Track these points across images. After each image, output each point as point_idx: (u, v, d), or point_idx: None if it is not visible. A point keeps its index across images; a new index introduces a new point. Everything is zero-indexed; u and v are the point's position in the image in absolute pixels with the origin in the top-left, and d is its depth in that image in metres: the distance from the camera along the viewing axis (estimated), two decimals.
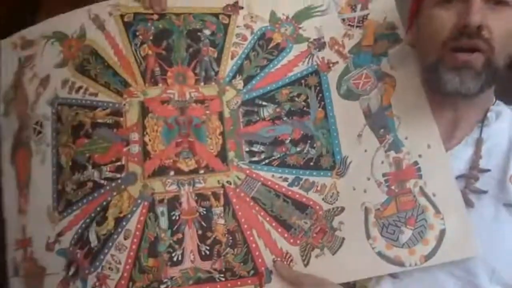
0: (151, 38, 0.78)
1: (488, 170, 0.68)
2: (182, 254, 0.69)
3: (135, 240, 0.69)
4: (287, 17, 0.84)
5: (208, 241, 0.70)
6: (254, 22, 0.83)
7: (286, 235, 0.70)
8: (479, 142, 0.70)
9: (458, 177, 0.69)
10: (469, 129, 0.72)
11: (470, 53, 0.62)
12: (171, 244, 0.69)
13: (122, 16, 0.79)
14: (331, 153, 0.74)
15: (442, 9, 0.66)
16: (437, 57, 0.66)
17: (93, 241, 0.70)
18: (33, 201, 0.77)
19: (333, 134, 0.75)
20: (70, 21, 0.81)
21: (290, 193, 0.73)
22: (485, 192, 0.67)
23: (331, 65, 0.80)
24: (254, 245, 0.70)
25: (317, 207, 0.71)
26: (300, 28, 0.83)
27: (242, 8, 0.83)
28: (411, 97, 0.74)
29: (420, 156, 0.71)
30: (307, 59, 0.81)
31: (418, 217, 0.68)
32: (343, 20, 0.83)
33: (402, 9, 0.82)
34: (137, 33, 0.78)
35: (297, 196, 0.72)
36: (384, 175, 0.70)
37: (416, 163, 0.70)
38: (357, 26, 0.82)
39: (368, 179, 0.71)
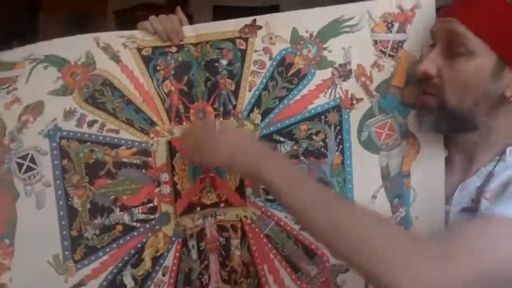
0: (172, 73, 0.76)
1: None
2: (209, 277, 0.80)
3: (172, 274, 0.75)
4: (311, 35, 0.74)
5: (227, 268, 0.80)
6: (273, 44, 0.75)
7: (293, 276, 0.77)
8: (489, 175, 0.66)
9: (462, 210, 0.67)
10: (486, 163, 0.69)
11: (424, 95, 0.67)
12: (201, 271, 0.79)
13: (139, 49, 0.76)
14: None
15: (428, 51, 0.68)
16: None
17: (129, 284, 0.73)
18: (20, 254, 0.68)
19: (348, 186, 0.73)
20: (71, 46, 0.74)
21: (300, 237, 0.77)
22: None
23: (354, 101, 0.73)
24: (264, 279, 0.78)
25: (325, 258, 0.75)
26: (325, 48, 0.74)
27: (260, 28, 0.75)
28: (432, 171, 0.69)
29: (416, 218, 0.70)
30: (329, 90, 0.74)
31: None
32: (375, 42, 0.71)
33: None
34: (158, 68, 0.76)
35: (307, 242, 0.76)
36: None
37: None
38: (389, 55, 0.71)
39: None
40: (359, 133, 0.73)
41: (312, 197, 0.58)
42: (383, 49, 0.70)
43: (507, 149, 0.66)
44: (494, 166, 0.66)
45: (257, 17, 0.75)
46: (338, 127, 0.74)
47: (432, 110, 0.66)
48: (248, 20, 0.76)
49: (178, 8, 0.76)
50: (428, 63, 0.64)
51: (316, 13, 0.74)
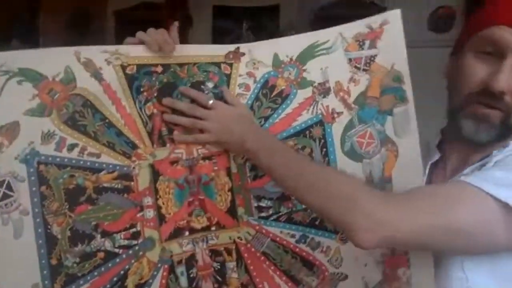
0: (155, 95, 0.76)
1: None
2: None
3: None
4: (291, 59, 0.81)
5: None
6: (256, 68, 0.81)
7: None
8: (482, 165, 0.71)
9: None
10: (478, 159, 0.74)
11: (489, 108, 0.67)
12: None
13: (123, 66, 0.74)
14: None
15: (478, 60, 0.69)
16: (461, 103, 0.71)
17: None
18: None
19: None
20: (49, 60, 0.70)
21: (298, 250, 0.77)
22: None
23: (335, 115, 0.79)
24: None
25: (323, 268, 0.76)
26: (304, 70, 0.81)
27: (243, 54, 0.81)
28: (411, 174, 0.75)
29: None
30: (311, 107, 0.80)
31: None
32: (350, 60, 0.80)
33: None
34: (142, 90, 0.75)
35: (304, 253, 0.77)
36: (382, 255, 0.73)
37: (406, 252, 0.72)
38: (363, 70, 0.79)
39: (369, 254, 0.74)
40: (342, 144, 0.79)
41: (289, 161, 0.68)
42: (357, 65, 0.79)
43: (494, 151, 0.70)
44: (488, 156, 0.70)
45: (240, 45, 0.81)
46: (323, 141, 0.79)
47: (495, 124, 0.66)
48: (232, 47, 0.81)
49: (176, 23, 0.77)
50: (504, 81, 0.63)
51: (294, 40, 0.82)
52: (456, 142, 0.75)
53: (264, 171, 0.74)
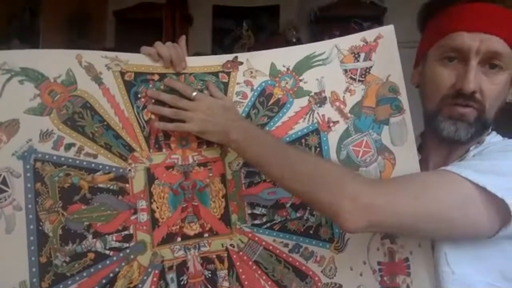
0: (153, 101, 0.77)
1: None
2: None
3: None
4: (288, 69, 0.82)
5: None
6: (254, 77, 0.82)
7: None
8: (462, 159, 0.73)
9: None
10: (459, 157, 0.76)
11: (465, 107, 0.71)
12: None
13: (122, 73, 0.76)
14: (330, 224, 0.76)
15: (443, 67, 0.73)
16: (436, 108, 0.74)
17: None
18: None
19: None
20: (51, 61, 0.72)
21: (290, 259, 0.76)
22: None
23: (331, 124, 0.80)
24: None
25: (316, 278, 0.74)
26: (300, 80, 0.82)
27: (241, 63, 0.82)
28: None
29: (411, 253, 0.73)
30: (307, 116, 0.81)
31: None
32: (345, 71, 0.81)
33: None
34: (139, 96, 0.77)
35: (297, 263, 0.75)
36: (379, 263, 0.72)
37: (407, 259, 0.72)
38: (359, 80, 0.80)
39: (364, 263, 0.73)
40: (338, 152, 0.79)
41: (274, 149, 0.69)
42: (353, 76, 0.80)
43: (473, 145, 0.73)
44: (466, 152, 0.73)
45: (238, 54, 0.83)
46: (318, 149, 0.79)
47: (471, 122, 0.70)
48: (230, 56, 0.83)
49: (183, 37, 0.80)
50: (473, 82, 0.67)
51: (291, 51, 0.83)
52: (436, 144, 0.78)
53: (249, 160, 0.75)
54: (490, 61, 0.69)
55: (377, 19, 2.24)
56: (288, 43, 2.16)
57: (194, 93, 0.76)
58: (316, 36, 2.24)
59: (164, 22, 2.15)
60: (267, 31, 2.30)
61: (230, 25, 2.38)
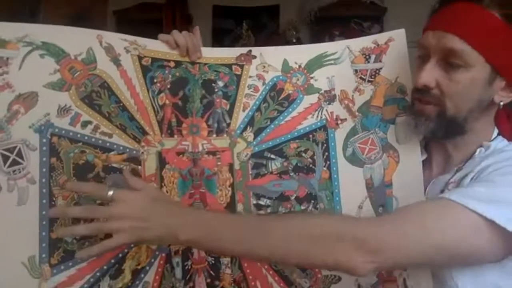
0: (168, 87, 0.79)
1: None
2: None
3: None
4: (300, 66, 0.85)
5: None
6: (266, 71, 0.84)
7: None
8: (458, 170, 0.75)
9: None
10: (460, 161, 0.76)
11: (425, 104, 0.72)
12: None
13: (140, 57, 0.77)
14: None
15: (420, 62, 0.74)
16: (411, 101, 0.77)
17: None
18: None
19: (336, 198, 0.79)
20: (72, 38, 0.72)
21: None
22: None
23: (339, 121, 0.82)
24: None
25: (316, 270, 0.76)
26: (311, 78, 0.84)
27: (255, 57, 0.84)
28: (411, 180, 0.77)
29: None
30: (316, 112, 0.83)
31: None
32: (356, 71, 0.83)
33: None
34: (155, 80, 0.78)
35: None
36: None
37: None
38: (368, 81, 0.83)
39: None
40: (344, 149, 0.81)
41: (246, 226, 0.62)
42: (363, 76, 0.83)
43: (478, 149, 0.74)
44: (464, 163, 0.74)
45: (252, 48, 0.85)
46: (325, 145, 0.82)
47: (431, 117, 0.71)
48: (244, 50, 0.85)
49: (197, 27, 0.81)
50: (426, 75, 0.69)
51: (304, 49, 0.86)
52: (437, 144, 0.79)
53: (217, 254, 0.70)
54: (448, 59, 0.69)
55: (377, 19, 2.26)
56: (288, 43, 2.17)
57: (110, 192, 0.61)
58: (316, 36, 2.25)
59: (164, 22, 2.16)
60: (267, 31, 2.30)
61: (230, 25, 2.39)
